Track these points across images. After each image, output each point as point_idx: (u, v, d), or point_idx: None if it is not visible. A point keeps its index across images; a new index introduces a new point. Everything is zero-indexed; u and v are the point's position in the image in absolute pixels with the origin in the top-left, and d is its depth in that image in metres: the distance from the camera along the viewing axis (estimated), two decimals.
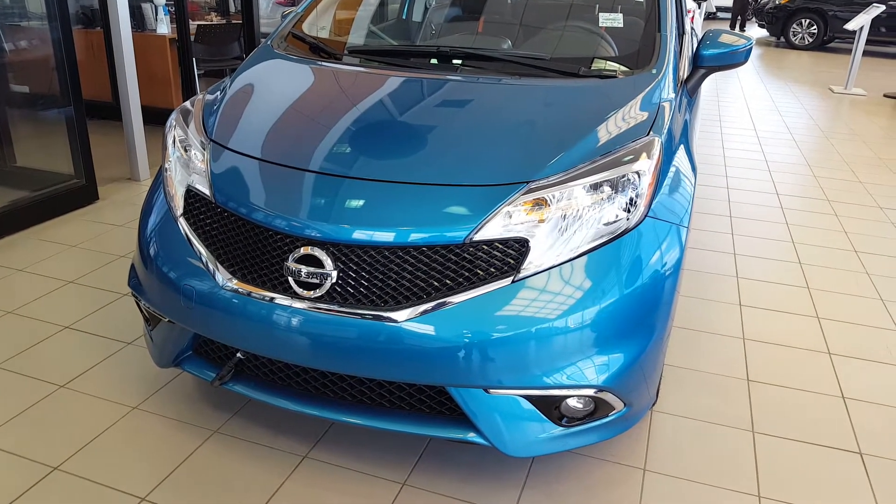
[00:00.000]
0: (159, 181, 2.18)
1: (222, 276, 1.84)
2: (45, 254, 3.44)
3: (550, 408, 1.78)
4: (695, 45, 2.71)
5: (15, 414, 2.28)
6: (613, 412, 1.85)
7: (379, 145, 1.95)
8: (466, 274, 1.71)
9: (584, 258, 1.76)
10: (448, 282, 1.71)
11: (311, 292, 1.74)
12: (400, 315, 1.69)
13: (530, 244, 1.73)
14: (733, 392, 2.50)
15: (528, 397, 1.75)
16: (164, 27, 6.00)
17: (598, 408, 1.82)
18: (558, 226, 1.76)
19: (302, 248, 1.76)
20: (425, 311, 1.68)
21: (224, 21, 6.82)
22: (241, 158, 1.99)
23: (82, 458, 2.09)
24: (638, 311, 1.79)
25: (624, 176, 1.84)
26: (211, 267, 1.87)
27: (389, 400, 1.86)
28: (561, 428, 1.81)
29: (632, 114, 2.07)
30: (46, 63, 3.97)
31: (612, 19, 2.56)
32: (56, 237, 3.64)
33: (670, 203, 1.95)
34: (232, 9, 7.91)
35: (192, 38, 5.85)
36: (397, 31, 3.36)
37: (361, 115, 2.08)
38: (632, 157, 1.88)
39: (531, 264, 1.72)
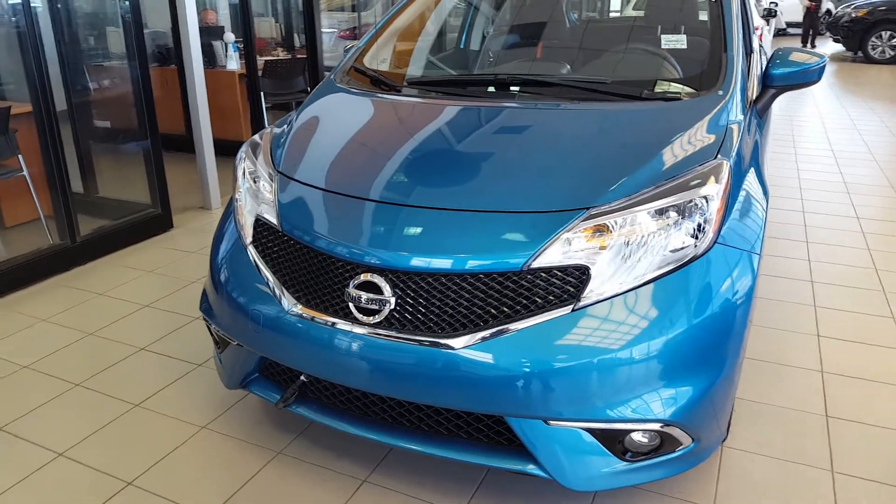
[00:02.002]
0: (230, 211, 2.26)
1: (288, 302, 1.88)
2: (124, 279, 3.62)
3: (614, 441, 1.72)
4: (764, 64, 2.62)
5: (95, 430, 2.38)
6: (680, 447, 1.78)
7: (437, 174, 1.96)
8: (525, 302, 1.69)
9: (650, 286, 1.71)
10: (506, 309, 1.69)
11: (371, 318, 1.76)
12: (457, 342, 1.68)
13: (591, 272, 1.70)
14: (810, 428, 2.36)
15: (590, 430, 1.70)
16: (234, 63, 6.28)
17: (664, 443, 1.76)
18: (621, 253, 1.72)
19: (362, 275, 1.78)
20: (483, 339, 1.67)
21: (290, 56, 7.09)
22: (305, 189, 2.04)
23: (154, 474, 2.17)
24: (707, 343, 1.72)
25: (691, 201, 1.79)
26: (277, 293, 1.91)
27: (447, 427, 1.85)
28: (625, 462, 1.75)
29: (698, 136, 2.02)
30: (126, 100, 4.22)
31: (675, 41, 2.51)
32: (134, 263, 3.83)
33: (741, 229, 1.88)
34: (297, 44, 8.22)
35: (260, 73, 6.10)
36: (456, 60, 3.40)
37: (419, 144, 2.11)
38: (699, 181, 1.83)
39: (592, 292, 1.69)
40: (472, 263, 1.71)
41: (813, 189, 5.14)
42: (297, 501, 2.05)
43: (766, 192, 2.14)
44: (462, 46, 3.69)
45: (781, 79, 2.55)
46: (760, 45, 3.88)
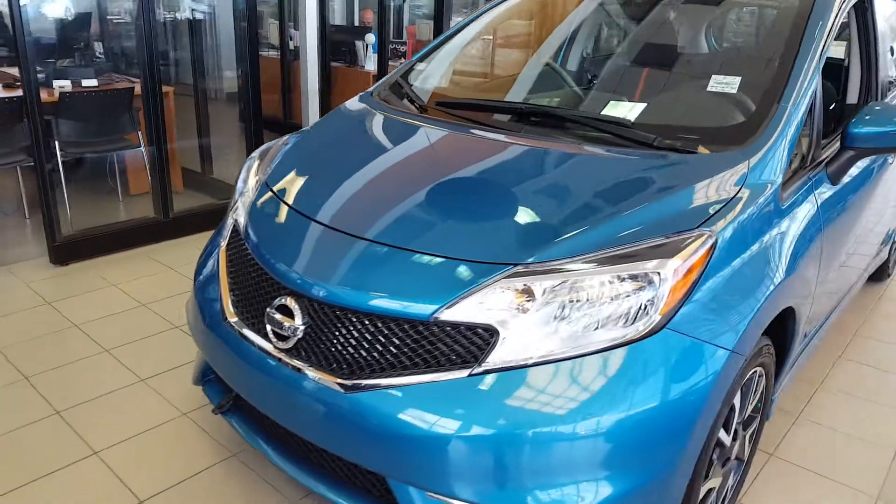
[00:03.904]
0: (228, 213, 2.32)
1: (227, 310, 1.89)
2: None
3: None
4: None
5: (94, 397, 2.57)
6: None
7: (379, 203, 1.85)
8: (425, 356, 1.54)
9: (566, 364, 1.48)
10: (405, 360, 1.55)
11: (282, 343, 1.71)
12: (347, 384, 1.57)
13: (500, 335, 1.51)
14: None
15: None
16: (371, 64, 6.51)
17: None
18: (543, 320, 1.51)
19: (285, 298, 1.73)
20: (373, 387, 1.55)
21: None
22: (271, 199, 2.04)
23: (118, 449, 2.30)
24: (625, 444, 1.46)
25: (641, 275, 1.52)
26: (224, 299, 1.93)
27: (346, 474, 1.74)
28: None
29: (687, 200, 1.72)
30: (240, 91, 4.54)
31: (724, 84, 2.15)
32: None
33: (713, 317, 1.57)
34: None
35: None
36: (522, 82, 3.21)
37: (383, 170, 2.01)
38: (660, 252, 1.55)
39: (497, 359, 1.49)
40: (380, 304, 1.59)
41: None
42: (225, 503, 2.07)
43: (788, 275, 1.78)
44: (559, 64, 3.49)
45: (865, 140, 2.11)
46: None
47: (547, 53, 3.13)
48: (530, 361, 1.49)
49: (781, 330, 2.06)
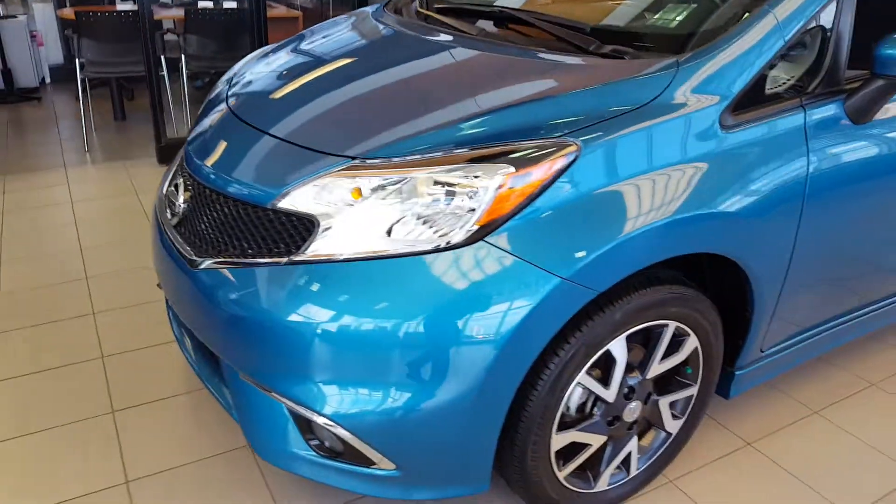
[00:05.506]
0: None
1: (164, 184, 2.01)
2: None
3: (299, 421, 1.50)
4: None
5: (137, 347, 2.47)
6: (374, 467, 1.46)
7: (281, 95, 1.83)
8: (259, 241, 1.54)
9: (377, 264, 1.39)
10: (244, 244, 1.56)
11: (173, 219, 1.80)
12: (198, 262, 1.62)
13: (322, 227, 1.45)
14: None
15: (275, 398, 1.50)
16: None
17: (346, 451, 1.46)
18: (364, 217, 1.43)
19: (180, 175, 1.83)
20: (214, 266, 1.58)
21: None
22: (217, 92, 2.12)
23: (134, 412, 2.16)
24: (419, 352, 1.36)
25: (468, 180, 1.37)
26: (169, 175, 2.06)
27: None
28: (313, 452, 1.51)
29: (566, 106, 1.47)
30: None
31: None
32: None
33: (550, 238, 1.36)
34: None
35: None
36: None
37: (310, 65, 1.97)
38: (499, 159, 1.37)
39: (316, 250, 1.44)
40: (234, 187, 1.61)
41: None
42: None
43: (710, 212, 1.48)
44: None
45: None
46: None
47: None
48: (344, 257, 1.42)
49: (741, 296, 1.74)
